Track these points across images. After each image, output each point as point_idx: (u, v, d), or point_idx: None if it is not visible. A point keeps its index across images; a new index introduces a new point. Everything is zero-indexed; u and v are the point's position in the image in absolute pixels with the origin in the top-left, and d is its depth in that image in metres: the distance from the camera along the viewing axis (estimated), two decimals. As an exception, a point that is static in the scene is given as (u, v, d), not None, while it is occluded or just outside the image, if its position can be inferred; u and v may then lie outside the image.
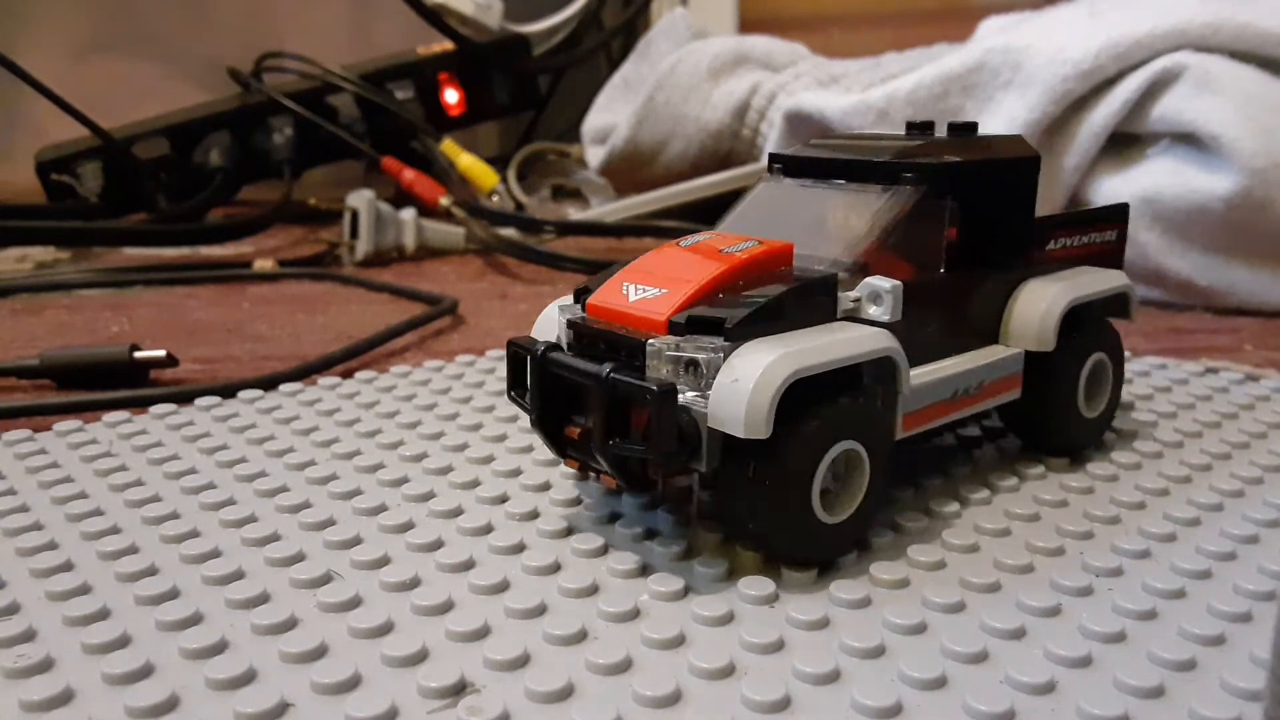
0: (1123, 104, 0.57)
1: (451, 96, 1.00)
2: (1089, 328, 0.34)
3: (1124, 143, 0.58)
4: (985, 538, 0.29)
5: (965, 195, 0.30)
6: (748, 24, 1.19)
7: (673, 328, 0.26)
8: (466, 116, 1.01)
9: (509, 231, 0.78)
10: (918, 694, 0.21)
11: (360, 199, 0.74)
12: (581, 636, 0.23)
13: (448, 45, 0.98)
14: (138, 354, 0.45)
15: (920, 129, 0.33)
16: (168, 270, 0.71)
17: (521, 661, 0.22)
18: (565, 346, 0.28)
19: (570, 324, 0.28)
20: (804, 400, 0.25)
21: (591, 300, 0.28)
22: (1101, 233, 0.36)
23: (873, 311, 0.27)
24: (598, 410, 0.25)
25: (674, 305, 0.26)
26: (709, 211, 0.80)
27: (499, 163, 0.97)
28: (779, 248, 0.28)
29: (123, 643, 0.23)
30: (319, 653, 0.23)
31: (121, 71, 1.07)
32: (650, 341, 0.25)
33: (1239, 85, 0.54)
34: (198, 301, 0.63)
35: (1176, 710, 0.21)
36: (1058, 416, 0.33)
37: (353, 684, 0.22)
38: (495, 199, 0.87)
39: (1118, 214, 0.37)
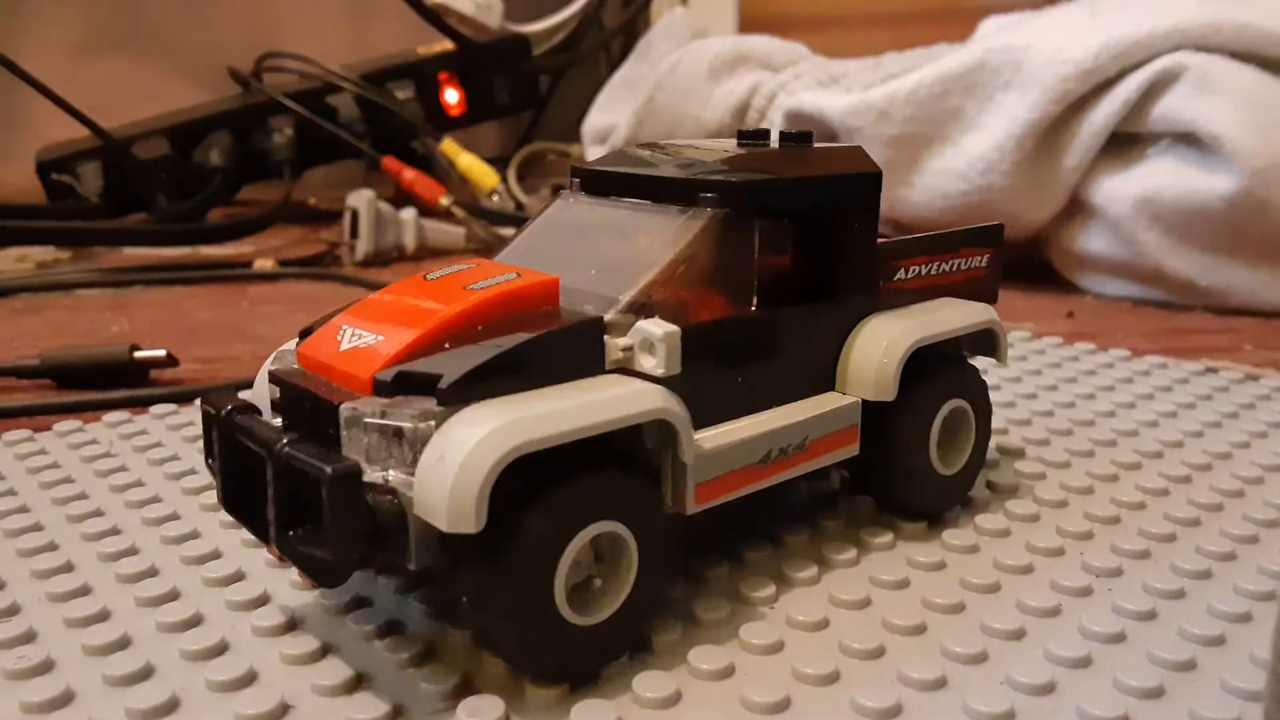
0: (1123, 104, 0.56)
1: (452, 96, 1.00)
2: (944, 371, 0.29)
3: (1124, 143, 0.58)
4: (985, 539, 0.29)
5: (782, 217, 0.27)
6: (748, 24, 1.19)
7: (378, 387, 0.20)
8: (467, 116, 1.01)
9: (509, 231, 0.78)
10: (917, 694, 0.21)
11: (360, 199, 0.74)
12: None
13: (448, 45, 0.98)
14: (138, 354, 0.45)
15: (753, 138, 0.27)
16: (168, 270, 0.71)
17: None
18: (272, 405, 0.23)
19: (272, 376, 0.23)
20: (547, 476, 0.20)
21: (301, 347, 0.23)
22: (967, 259, 0.31)
23: (646, 364, 0.22)
24: (272, 493, 0.20)
25: (385, 358, 0.21)
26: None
27: (499, 163, 0.97)
28: (539, 283, 0.23)
29: (123, 644, 0.23)
30: (320, 654, 0.23)
31: (121, 71, 1.07)
32: (345, 406, 0.20)
33: (1239, 85, 0.53)
34: (198, 301, 0.63)
35: (1176, 710, 0.21)
36: (905, 474, 0.28)
37: (353, 685, 0.22)
38: (495, 199, 0.87)
39: (988, 236, 0.32)
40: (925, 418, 0.29)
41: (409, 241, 0.77)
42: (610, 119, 0.89)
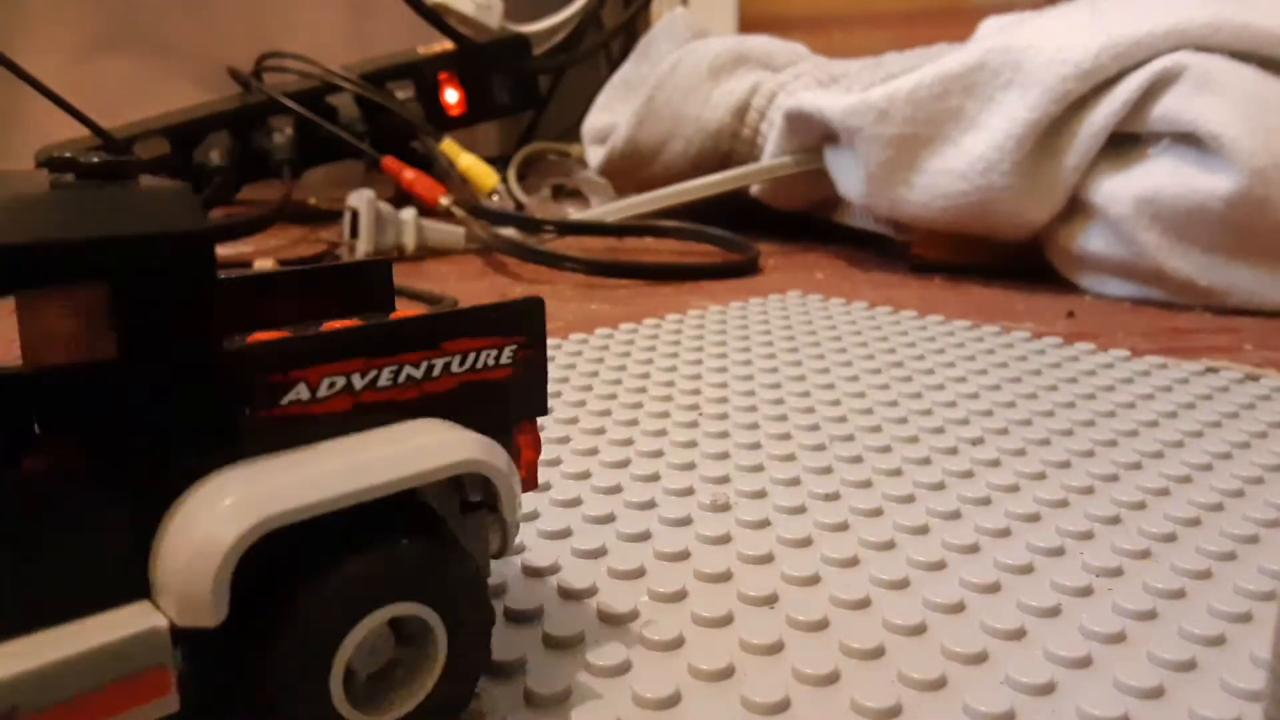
0: (1123, 104, 0.56)
1: (452, 96, 1.00)
2: (365, 559, 0.17)
3: (1124, 142, 0.58)
4: (986, 538, 0.29)
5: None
6: (748, 24, 1.19)
7: None
8: (467, 116, 1.01)
9: (509, 231, 0.78)
10: (916, 694, 0.21)
11: (360, 199, 0.74)
12: None
13: (448, 45, 0.98)
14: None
15: (59, 167, 0.17)
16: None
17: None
18: None
19: None
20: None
21: None
22: (466, 353, 0.20)
23: None
24: None
25: None
26: (708, 211, 0.80)
27: (498, 162, 0.97)
28: None
29: None
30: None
31: (121, 72, 1.07)
32: None
33: (1239, 85, 0.53)
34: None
35: (1177, 711, 0.21)
36: None
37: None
38: (495, 199, 0.87)
39: (513, 319, 0.21)
40: (320, 642, 0.17)
41: (409, 241, 0.77)
42: (610, 119, 0.89)
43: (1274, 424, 0.38)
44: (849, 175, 0.68)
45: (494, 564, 0.25)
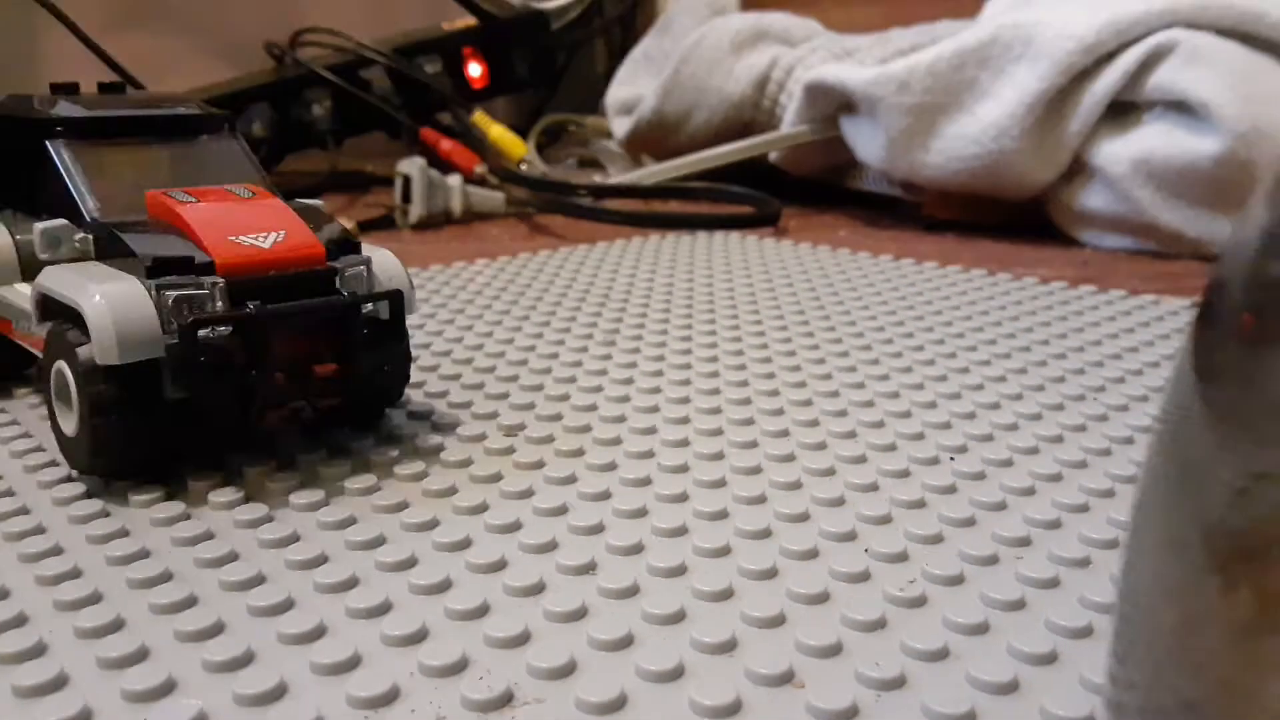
0: (1122, 75, 0.63)
1: (475, 70, 1.05)
2: None
3: (1122, 110, 0.65)
4: (949, 527, 0.28)
5: None
6: (751, 1, 1.25)
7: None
8: (488, 89, 1.07)
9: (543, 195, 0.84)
10: (877, 693, 0.20)
11: (413, 165, 0.80)
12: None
13: (470, 21, 1.03)
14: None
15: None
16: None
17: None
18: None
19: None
20: None
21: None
22: None
23: None
24: None
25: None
26: (729, 180, 0.86)
27: (516, 134, 1.02)
28: None
29: (116, 626, 0.23)
30: (317, 633, 0.23)
31: (151, 48, 1.10)
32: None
33: (1224, 58, 0.61)
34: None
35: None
36: None
37: (352, 664, 0.21)
38: (524, 167, 0.93)
39: None
40: None
41: (456, 205, 0.82)
42: (634, 91, 0.94)
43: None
44: (869, 142, 0.75)
45: (441, 552, 0.26)
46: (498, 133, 0.93)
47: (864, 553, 0.26)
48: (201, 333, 0.27)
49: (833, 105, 0.79)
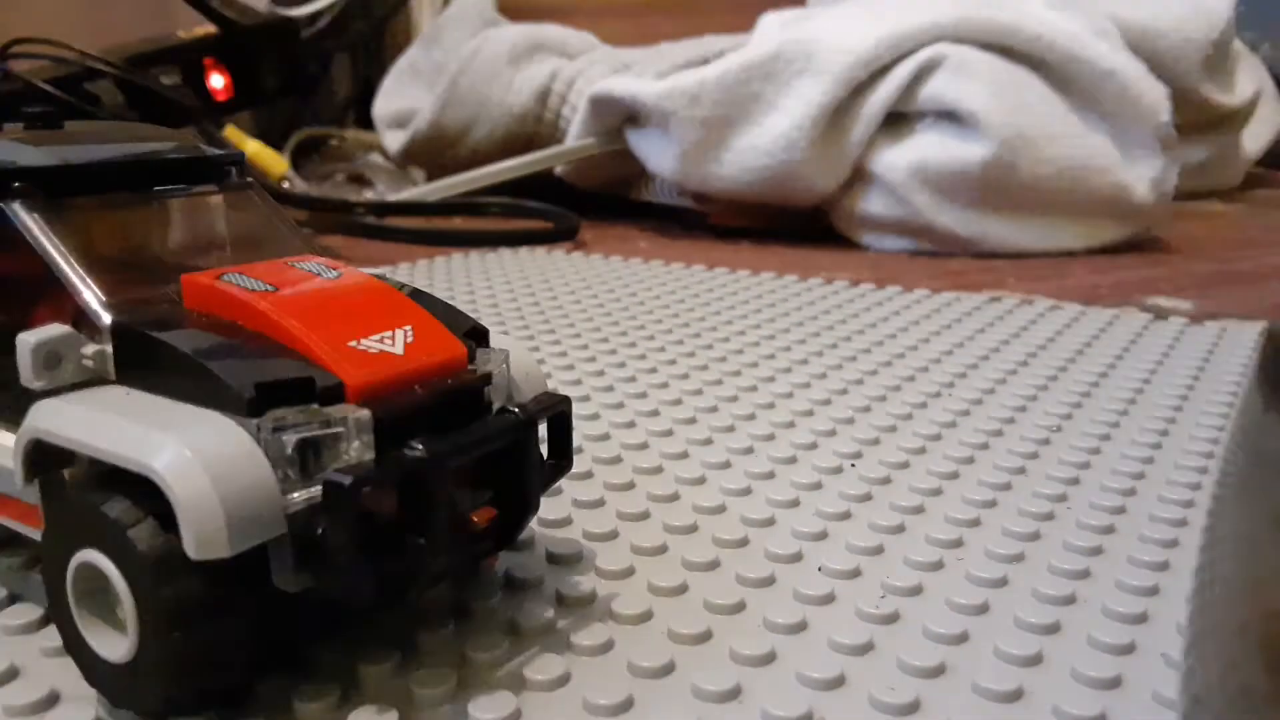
0: (897, 87, 0.68)
1: (218, 81, 0.97)
2: None
3: (898, 120, 0.70)
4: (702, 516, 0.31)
5: None
6: (504, 12, 1.23)
7: None
8: (234, 102, 0.98)
9: (296, 214, 0.78)
10: (712, 706, 0.20)
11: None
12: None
13: (210, 28, 0.95)
14: None
15: None
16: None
17: None
18: None
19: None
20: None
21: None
22: None
23: None
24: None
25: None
26: (517, 190, 0.84)
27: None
28: None
29: None
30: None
31: None
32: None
33: (988, 70, 0.66)
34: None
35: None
36: None
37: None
38: (286, 185, 0.86)
39: None
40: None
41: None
42: (406, 104, 0.90)
43: (1056, 333, 0.49)
44: (660, 154, 0.75)
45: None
46: (254, 149, 0.86)
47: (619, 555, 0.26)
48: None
49: (619, 118, 0.79)
